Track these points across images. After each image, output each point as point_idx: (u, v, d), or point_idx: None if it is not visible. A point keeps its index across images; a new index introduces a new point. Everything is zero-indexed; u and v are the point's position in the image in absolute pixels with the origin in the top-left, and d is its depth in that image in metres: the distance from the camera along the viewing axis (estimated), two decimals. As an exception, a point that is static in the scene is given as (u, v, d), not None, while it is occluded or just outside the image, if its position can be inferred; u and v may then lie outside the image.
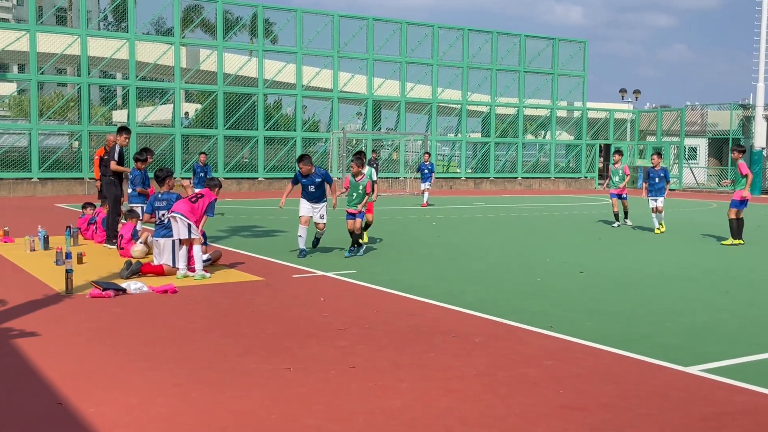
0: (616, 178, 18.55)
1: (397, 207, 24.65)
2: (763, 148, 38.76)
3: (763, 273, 11.50)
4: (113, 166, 13.16)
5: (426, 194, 25.00)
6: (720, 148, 43.83)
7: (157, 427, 4.66)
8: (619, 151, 19.37)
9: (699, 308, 8.63)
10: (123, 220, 12.99)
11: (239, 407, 5.01)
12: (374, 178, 13.62)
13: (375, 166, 31.58)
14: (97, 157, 15.63)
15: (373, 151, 33.67)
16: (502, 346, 6.73)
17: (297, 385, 5.52)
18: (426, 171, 25.09)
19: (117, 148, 13.30)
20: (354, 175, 12.54)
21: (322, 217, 12.43)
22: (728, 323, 7.87)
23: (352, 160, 12.86)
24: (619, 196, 18.49)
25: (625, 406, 5.15)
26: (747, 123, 41.05)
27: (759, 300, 9.24)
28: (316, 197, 12.33)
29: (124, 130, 13.52)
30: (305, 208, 12.35)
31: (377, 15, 37.21)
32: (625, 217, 18.78)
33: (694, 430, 4.76)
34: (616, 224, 18.47)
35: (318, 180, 12.24)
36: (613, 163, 18.98)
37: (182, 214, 10.12)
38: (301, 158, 12.32)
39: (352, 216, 12.48)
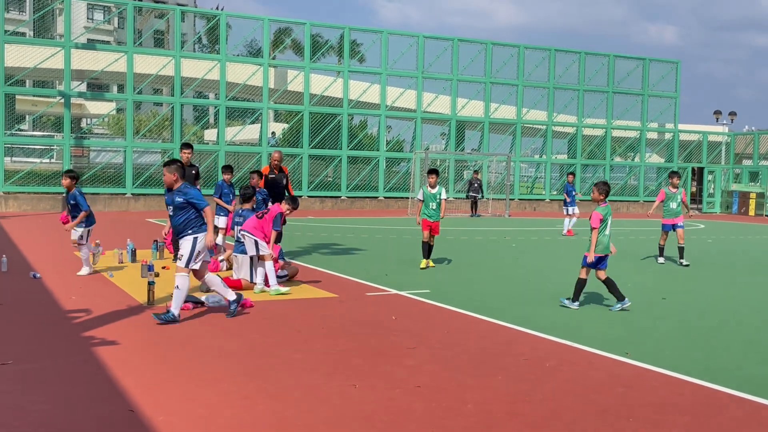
0: (674, 205, 15.41)
1: (477, 228, 24.48)
2: None
3: None
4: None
5: (574, 220, 22.54)
6: (822, 172, 41.73)
7: (221, 437, 4.76)
8: (676, 173, 15.87)
9: (788, 340, 8.22)
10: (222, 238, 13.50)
11: (303, 422, 5.07)
12: (445, 196, 13.84)
13: (478, 185, 31.74)
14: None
15: (475, 171, 33.77)
16: (573, 372, 6.58)
17: (362, 402, 5.54)
18: (574, 194, 22.59)
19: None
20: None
21: (181, 258, 8.40)
22: (819, 356, 7.46)
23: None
24: (674, 227, 15.32)
25: (699, 439, 4.95)
26: None
27: None
28: (176, 227, 8.52)
29: (184, 146, 13.46)
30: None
31: (462, 36, 37.24)
32: (681, 255, 15.21)
33: (772, 467, 4.53)
34: (661, 260, 15.44)
35: (179, 201, 8.44)
36: (671, 187, 15.59)
37: (249, 232, 10.43)
38: (168, 163, 8.70)
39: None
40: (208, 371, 6.30)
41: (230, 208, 14.24)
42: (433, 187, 13.41)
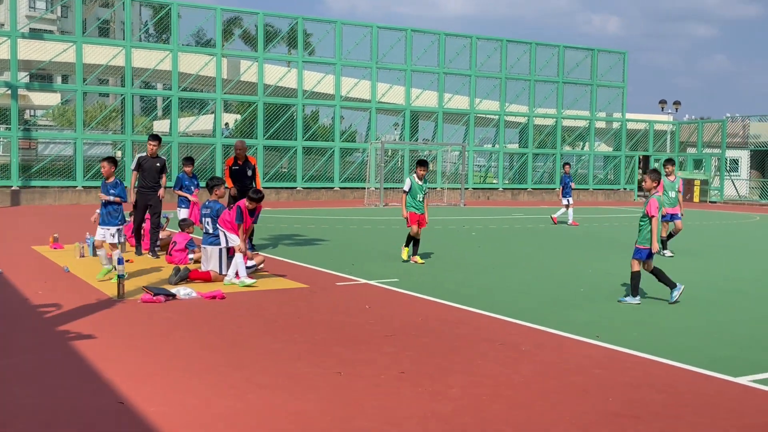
0: (672, 194, 14.70)
1: (435, 217, 24.72)
2: (807, 160, 38.08)
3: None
4: (133, 176, 13.10)
5: (570, 210, 22.24)
6: (762, 160, 43.19)
7: (217, 426, 4.81)
8: (671, 161, 15.31)
9: (747, 320, 8.58)
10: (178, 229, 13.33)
11: (296, 409, 5.15)
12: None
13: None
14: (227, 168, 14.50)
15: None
16: (548, 355, 6.79)
17: (349, 389, 5.64)
18: (570, 184, 22.27)
19: (136, 156, 13.19)
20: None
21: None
22: (777, 335, 7.82)
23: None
24: (672, 217, 14.67)
25: (676, 415, 5.19)
26: (791, 134, 40.42)
27: (808, 313, 9.15)
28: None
29: (151, 137, 13.19)
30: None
31: (414, 26, 37.41)
32: (668, 239, 14.84)
33: (747, 440, 4.78)
34: (666, 253, 14.51)
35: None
36: (666, 175, 14.73)
37: (219, 225, 10.50)
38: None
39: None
40: (192, 363, 6.32)
41: (193, 198, 14.15)
42: (421, 179, 13.07)
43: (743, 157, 43.34)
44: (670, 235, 14.81)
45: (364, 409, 5.18)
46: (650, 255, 9.43)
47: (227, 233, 10.46)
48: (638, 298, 9.38)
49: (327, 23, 34.94)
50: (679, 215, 14.71)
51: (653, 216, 9.39)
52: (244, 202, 10.81)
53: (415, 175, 13.13)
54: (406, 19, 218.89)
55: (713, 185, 42.02)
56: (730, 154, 42.83)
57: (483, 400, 5.46)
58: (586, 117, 41.30)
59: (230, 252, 10.54)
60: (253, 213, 11.08)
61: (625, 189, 42.85)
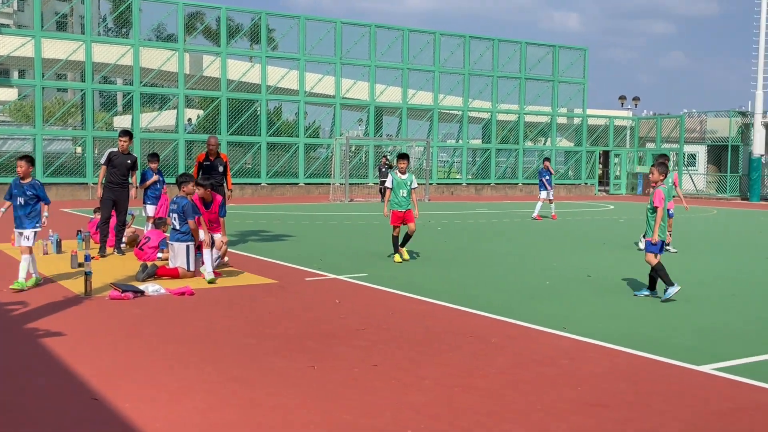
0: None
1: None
2: (762, 155, 38.99)
3: (766, 277, 11.68)
4: (101, 171, 12.70)
5: (552, 205, 22.70)
6: (719, 155, 44.10)
7: (193, 421, 4.82)
8: (665, 156, 14.29)
9: (707, 310, 8.81)
10: (152, 226, 13.22)
11: (272, 403, 5.18)
12: (416, 184, 12.90)
13: (386, 170, 31.72)
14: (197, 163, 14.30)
15: (384, 156, 33.82)
16: (518, 346, 6.90)
17: (324, 382, 5.68)
18: (547, 178, 22.57)
19: (107, 152, 12.77)
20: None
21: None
22: (736, 324, 8.04)
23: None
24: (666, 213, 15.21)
25: (645, 403, 5.32)
26: (746, 130, 41.34)
27: (765, 302, 9.42)
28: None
29: (122, 133, 12.90)
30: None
31: (378, 21, 37.51)
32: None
33: (712, 426, 4.93)
34: (673, 250, 14.19)
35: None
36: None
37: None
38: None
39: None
40: (164, 358, 6.31)
41: (145, 182, 13.96)
42: (403, 173, 12.52)
43: (700, 152, 44.22)
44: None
45: (340, 402, 5.22)
46: (662, 248, 9.30)
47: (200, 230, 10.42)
48: (676, 285, 9.15)
49: (290, 18, 34.83)
50: (671, 212, 13.76)
51: (659, 207, 9.38)
52: (196, 196, 10.80)
53: (396, 170, 12.66)
54: (369, 13, 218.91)
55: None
56: (688, 149, 43.66)
57: (455, 391, 5.54)
58: (547, 113, 41.77)
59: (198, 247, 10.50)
60: (209, 205, 11.05)
61: (586, 183, 43.42)
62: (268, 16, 34.00)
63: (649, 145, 45.41)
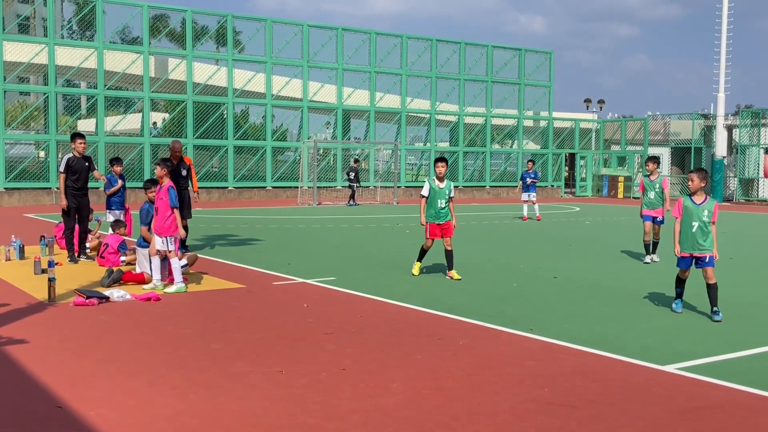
0: (652, 195, 13.50)
1: (369, 216, 24.85)
2: (724, 157, 39.70)
3: (729, 277, 11.90)
4: (60, 180, 12.35)
5: (536, 206, 23.07)
6: (682, 157, 44.78)
7: (160, 427, 4.79)
8: (654, 158, 13.80)
9: (669, 310, 8.94)
10: (111, 231, 12.99)
11: (239, 408, 5.16)
12: (454, 193, 11.34)
13: (356, 174, 31.69)
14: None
15: (356, 160, 33.73)
16: (485, 348, 6.95)
17: (291, 386, 5.68)
18: (529, 180, 22.88)
19: (65, 159, 12.40)
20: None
21: None
22: (699, 324, 8.18)
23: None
24: (654, 219, 13.48)
25: (609, 402, 5.40)
26: (708, 132, 42.06)
27: (727, 302, 9.58)
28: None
29: (73, 136, 12.58)
30: None
31: (345, 25, 37.46)
32: (654, 250, 13.48)
33: (676, 424, 5.01)
34: (647, 259, 13.34)
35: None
36: (647, 175, 13.72)
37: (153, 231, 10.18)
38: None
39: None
40: (130, 364, 6.25)
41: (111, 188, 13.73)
42: (441, 180, 11.12)
43: (664, 154, 44.85)
44: (656, 242, 13.52)
45: (307, 406, 5.22)
46: (710, 262, 8.60)
47: (164, 238, 10.05)
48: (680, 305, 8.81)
49: (257, 21, 34.68)
50: (660, 219, 13.47)
51: (713, 222, 8.67)
52: (170, 182, 10.32)
53: (435, 178, 11.23)
54: (336, 16, 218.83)
55: (636, 181, 43.38)
56: (652, 151, 44.26)
57: (424, 393, 5.57)
58: (514, 116, 42.10)
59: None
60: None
61: (552, 186, 43.82)
62: (234, 19, 33.83)
63: (614, 148, 45.98)
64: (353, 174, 31.54)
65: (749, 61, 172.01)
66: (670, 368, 6.32)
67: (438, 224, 11.18)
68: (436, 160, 11.25)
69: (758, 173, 39.07)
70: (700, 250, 8.63)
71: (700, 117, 42.74)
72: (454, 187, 11.16)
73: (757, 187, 39.40)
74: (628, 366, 6.41)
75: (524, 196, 23.00)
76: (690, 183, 8.86)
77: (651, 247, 13.39)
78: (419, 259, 11.47)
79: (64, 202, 12.34)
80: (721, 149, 39.97)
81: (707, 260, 8.57)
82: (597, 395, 5.56)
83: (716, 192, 39.42)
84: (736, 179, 40.16)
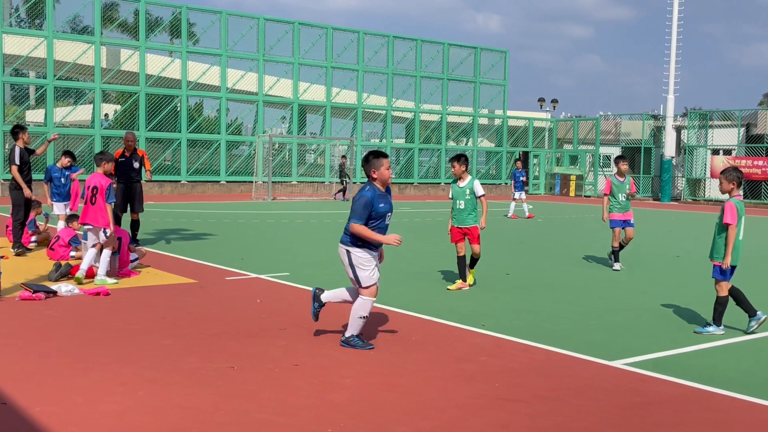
0: (622, 197, 12.48)
1: (324, 211, 24.79)
2: (672, 157, 40.57)
3: (675, 275, 12.17)
4: (13, 171, 12.10)
5: (524, 205, 23.72)
6: (632, 156, 45.62)
7: (107, 424, 4.70)
8: (623, 158, 12.81)
9: (619, 307, 9.11)
10: (63, 224, 12.66)
11: (188, 404, 5.10)
12: (482, 191, 10.20)
13: (346, 171, 31.48)
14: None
15: (344, 156, 33.40)
16: (438, 344, 7.00)
17: (243, 382, 5.63)
18: (521, 179, 23.58)
19: (17, 150, 12.21)
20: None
21: None
22: (646, 321, 8.35)
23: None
24: (626, 223, 12.52)
25: (559, 398, 5.48)
26: (658, 133, 42.92)
27: (673, 299, 9.81)
28: None
29: (20, 128, 12.29)
30: None
31: (301, 19, 37.27)
32: (620, 249, 12.60)
33: (624, 418, 5.11)
34: (616, 266, 12.35)
35: None
36: (616, 174, 12.75)
37: (89, 223, 9.95)
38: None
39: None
40: (76, 360, 6.13)
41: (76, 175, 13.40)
42: (461, 179, 10.06)
43: (615, 153, 45.64)
44: (622, 246, 12.66)
45: (259, 402, 5.19)
46: (732, 271, 7.71)
47: (99, 228, 9.90)
48: (722, 327, 7.75)
49: (212, 13, 34.27)
50: (632, 222, 12.67)
51: (729, 224, 7.57)
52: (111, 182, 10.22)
53: (457, 178, 10.17)
54: (292, 11, 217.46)
55: (588, 180, 44.09)
56: (604, 150, 45.01)
57: (376, 388, 5.58)
58: (469, 113, 42.38)
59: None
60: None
61: (506, 183, 44.22)
62: (189, 11, 33.38)
63: (567, 147, 46.64)
64: (345, 169, 31.67)
65: (698, 65, 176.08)
66: (617, 363, 6.44)
67: (459, 228, 10.11)
68: (451, 159, 10.19)
69: (705, 173, 40.01)
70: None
71: (650, 118, 43.60)
72: (479, 185, 10.12)
73: (704, 187, 40.34)
74: (578, 362, 6.51)
75: (516, 195, 23.80)
76: (721, 186, 7.86)
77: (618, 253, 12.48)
78: (461, 276, 10.08)
79: (28, 192, 12.19)
80: (669, 150, 40.84)
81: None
82: (547, 390, 5.64)
83: (664, 192, 40.28)
84: (683, 179, 41.06)
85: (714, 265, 7.75)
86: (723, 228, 7.66)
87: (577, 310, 8.89)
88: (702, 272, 12.65)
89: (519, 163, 24.68)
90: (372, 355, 6.51)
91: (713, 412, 5.31)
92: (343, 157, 33.54)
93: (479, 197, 10.14)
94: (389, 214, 6.85)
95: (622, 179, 12.56)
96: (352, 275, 6.85)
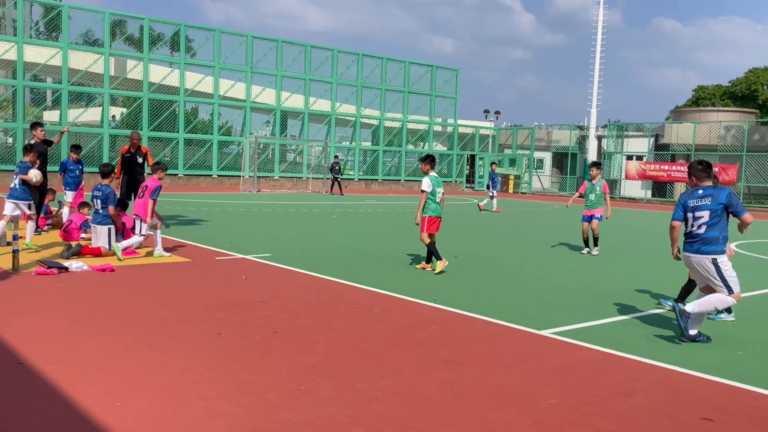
0: (592, 197, 12.72)
1: (302, 202, 24.66)
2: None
3: (600, 258, 12.35)
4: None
5: (494, 201, 24.24)
6: (561, 160, 46.14)
7: (111, 381, 4.64)
8: (597, 164, 12.81)
9: (550, 286, 9.23)
10: (69, 211, 12.42)
11: (182, 365, 5.05)
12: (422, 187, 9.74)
13: (338, 168, 31.20)
14: (120, 155, 13.14)
15: (336, 156, 33.08)
16: (395, 315, 7.02)
17: (229, 347, 5.59)
18: (497, 179, 24.70)
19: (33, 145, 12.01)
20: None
21: None
22: (570, 298, 8.47)
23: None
24: (592, 218, 12.70)
25: (494, 361, 5.54)
26: (582, 141, 43.42)
27: (594, 279, 9.96)
28: None
29: (36, 124, 12.04)
30: None
31: (284, 37, 36.95)
32: (595, 244, 12.72)
33: (549, 378, 5.19)
34: (585, 251, 12.82)
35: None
36: (590, 179, 12.78)
37: (137, 214, 10.01)
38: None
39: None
40: (86, 327, 6.03)
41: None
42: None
43: (547, 157, 46.13)
44: (596, 238, 12.74)
45: (243, 363, 5.16)
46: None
47: (139, 219, 9.99)
48: (732, 314, 7.46)
49: (207, 31, 33.80)
50: (598, 216, 12.67)
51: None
52: (156, 180, 10.37)
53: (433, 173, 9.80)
54: (276, 30, 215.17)
55: (524, 179, 44.49)
56: (538, 155, 45.46)
57: (342, 352, 5.58)
58: (426, 121, 42.43)
59: (119, 230, 10.08)
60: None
61: (456, 181, 44.45)
62: (187, 28, 32.89)
63: (507, 151, 46.97)
64: (336, 167, 31.31)
65: (617, 84, 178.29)
66: (545, 332, 6.52)
67: (438, 218, 9.89)
68: (425, 159, 9.81)
69: (621, 175, 40.65)
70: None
71: (576, 128, 44.08)
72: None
73: (620, 187, 41.00)
74: (513, 331, 6.59)
75: (490, 192, 24.15)
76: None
77: (590, 241, 12.75)
78: (438, 257, 9.68)
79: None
80: (592, 154, 41.35)
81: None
82: (486, 354, 5.69)
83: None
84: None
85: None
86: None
87: (513, 287, 8.98)
88: (620, 257, 12.88)
89: (494, 166, 25.03)
90: (340, 324, 6.50)
91: (620, 371, 5.42)
92: (336, 156, 33.32)
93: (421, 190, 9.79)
94: None
95: (594, 182, 12.73)
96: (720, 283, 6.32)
